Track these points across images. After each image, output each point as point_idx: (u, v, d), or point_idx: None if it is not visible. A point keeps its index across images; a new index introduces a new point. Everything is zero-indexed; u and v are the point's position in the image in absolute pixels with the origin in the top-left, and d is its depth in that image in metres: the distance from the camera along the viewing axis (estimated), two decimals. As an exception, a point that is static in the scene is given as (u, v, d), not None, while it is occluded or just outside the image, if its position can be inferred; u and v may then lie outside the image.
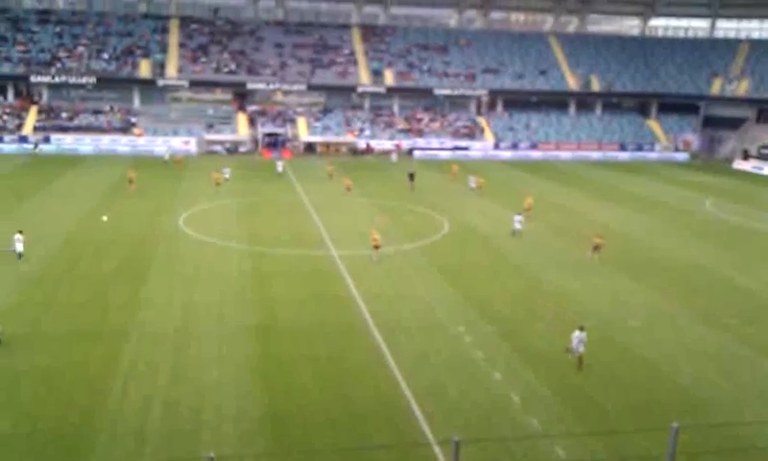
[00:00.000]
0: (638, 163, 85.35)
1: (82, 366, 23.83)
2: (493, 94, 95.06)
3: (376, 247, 37.56)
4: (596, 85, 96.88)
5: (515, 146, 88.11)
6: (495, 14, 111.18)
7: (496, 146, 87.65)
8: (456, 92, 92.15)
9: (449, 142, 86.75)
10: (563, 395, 23.07)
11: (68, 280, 32.69)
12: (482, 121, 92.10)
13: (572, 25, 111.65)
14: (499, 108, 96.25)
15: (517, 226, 44.25)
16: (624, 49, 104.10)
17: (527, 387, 23.56)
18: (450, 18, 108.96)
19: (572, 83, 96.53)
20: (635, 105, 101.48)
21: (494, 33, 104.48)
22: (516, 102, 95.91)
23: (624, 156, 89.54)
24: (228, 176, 59.63)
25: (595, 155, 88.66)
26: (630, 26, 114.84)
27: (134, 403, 21.46)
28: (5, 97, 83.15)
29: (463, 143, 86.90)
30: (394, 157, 77.90)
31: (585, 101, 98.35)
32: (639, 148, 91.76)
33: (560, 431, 20.84)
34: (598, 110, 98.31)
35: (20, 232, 35.55)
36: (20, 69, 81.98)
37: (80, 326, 27.42)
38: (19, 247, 35.10)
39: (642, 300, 32.98)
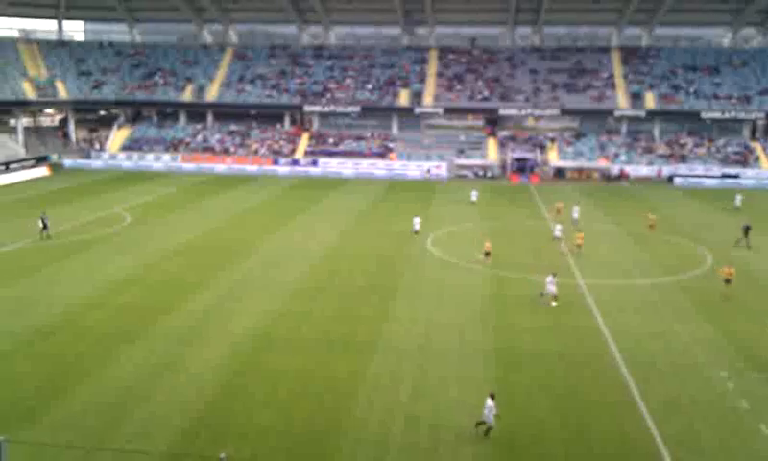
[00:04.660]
0: None
1: (332, 372, 25.50)
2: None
3: (487, 254, 40.49)
4: None
5: (796, 175, 78.14)
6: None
7: (773, 174, 78.46)
8: (727, 115, 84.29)
9: (717, 169, 79.43)
10: None
11: (325, 293, 35.27)
12: (757, 147, 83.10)
13: None
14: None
15: None
16: None
17: (802, 448, 20.56)
18: (723, 37, 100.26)
19: None
20: None
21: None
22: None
23: None
24: (475, 198, 61.70)
25: None
26: None
27: (378, 413, 22.40)
28: (282, 124, 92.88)
29: (733, 170, 79.04)
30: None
31: None
32: None
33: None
34: None
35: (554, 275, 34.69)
36: (296, 100, 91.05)
37: (332, 335, 29.39)
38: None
39: None
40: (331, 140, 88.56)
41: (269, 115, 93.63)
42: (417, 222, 49.04)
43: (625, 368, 26.06)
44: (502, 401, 23.18)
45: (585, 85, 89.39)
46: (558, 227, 47.61)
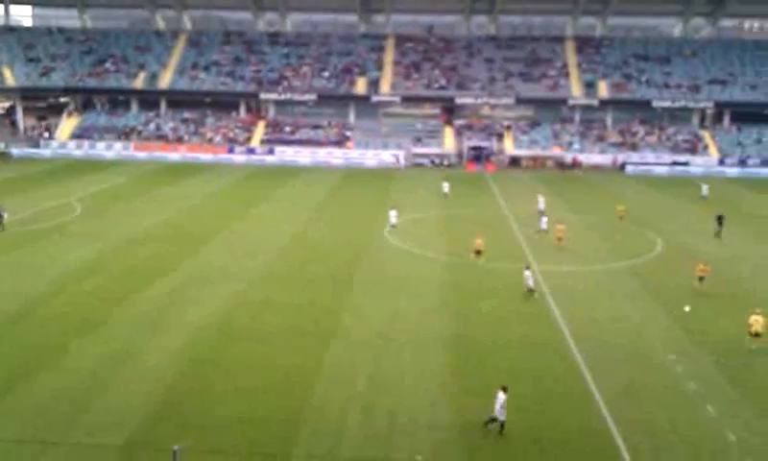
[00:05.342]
0: None
1: (291, 362, 25.44)
2: (720, 107, 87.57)
3: (478, 252, 38.51)
4: None
5: (742, 162, 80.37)
6: (726, 22, 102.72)
7: (721, 162, 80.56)
8: (677, 104, 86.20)
9: (667, 157, 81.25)
10: (790, 440, 20.55)
11: (284, 282, 35.11)
12: (705, 135, 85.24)
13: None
14: (726, 121, 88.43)
15: None
16: None
17: (746, 426, 21.26)
18: (674, 28, 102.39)
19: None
20: None
21: (724, 41, 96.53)
22: (747, 115, 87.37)
23: None
24: (447, 190, 60.00)
25: (842, 174, 78.21)
26: None
27: (336, 403, 22.45)
28: (237, 112, 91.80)
29: (682, 158, 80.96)
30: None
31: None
32: None
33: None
34: None
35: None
36: (251, 87, 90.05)
37: (291, 325, 29.26)
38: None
39: None
40: (288, 129, 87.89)
41: (224, 103, 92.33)
42: (393, 215, 47.58)
43: (579, 354, 26.59)
44: (459, 390, 23.47)
45: (539, 74, 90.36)
46: (544, 219, 46.27)
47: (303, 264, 38.29)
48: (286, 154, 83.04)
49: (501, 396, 20.56)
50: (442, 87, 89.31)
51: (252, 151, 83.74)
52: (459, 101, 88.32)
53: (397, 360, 25.76)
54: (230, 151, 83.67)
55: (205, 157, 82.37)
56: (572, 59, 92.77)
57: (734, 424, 21.48)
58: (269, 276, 36.06)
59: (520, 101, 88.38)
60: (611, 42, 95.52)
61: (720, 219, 46.97)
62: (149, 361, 25.12)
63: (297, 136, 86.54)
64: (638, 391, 23.64)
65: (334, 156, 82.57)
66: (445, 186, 60.50)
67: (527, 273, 33.60)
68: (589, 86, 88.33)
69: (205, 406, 22.00)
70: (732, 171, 78.69)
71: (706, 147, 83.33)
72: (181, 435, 19.53)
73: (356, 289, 34.14)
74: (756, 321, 27.20)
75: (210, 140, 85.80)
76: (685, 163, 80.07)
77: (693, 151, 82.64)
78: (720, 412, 22.24)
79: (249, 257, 39.11)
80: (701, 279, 34.46)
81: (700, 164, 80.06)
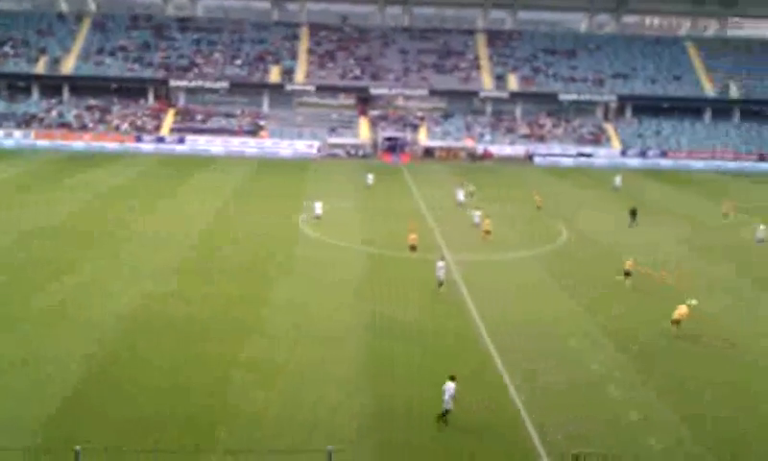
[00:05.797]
0: (781, 175, 79.38)
1: (205, 357, 25.01)
2: (623, 100, 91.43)
3: (413, 248, 37.91)
4: (735, 92, 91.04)
5: (643, 154, 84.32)
6: (628, 18, 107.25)
7: (623, 153, 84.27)
8: (582, 97, 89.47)
9: (573, 149, 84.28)
10: (682, 413, 21.84)
11: (198, 275, 34.41)
12: (609, 127, 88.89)
13: (711, 29, 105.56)
14: (628, 114, 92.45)
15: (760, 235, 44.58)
16: (767, 54, 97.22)
17: (648, 406, 22.45)
18: (580, 22, 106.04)
19: (708, 89, 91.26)
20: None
21: (627, 37, 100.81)
22: (647, 108, 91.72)
23: (764, 166, 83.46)
24: (371, 182, 59.49)
25: (731, 165, 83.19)
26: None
27: (253, 397, 22.23)
28: (145, 99, 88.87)
29: (587, 150, 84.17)
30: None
31: (721, 108, 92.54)
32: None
33: (680, 453, 19.68)
34: (736, 118, 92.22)
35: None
36: (160, 74, 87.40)
37: (205, 319, 28.73)
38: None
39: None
40: (199, 117, 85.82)
41: (131, 90, 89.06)
42: (318, 206, 47.04)
43: (491, 341, 27.30)
44: (377, 379, 23.70)
45: (452, 67, 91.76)
46: (477, 213, 46.38)
47: (218, 257, 37.62)
48: (198, 143, 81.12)
49: (451, 385, 20.86)
50: (356, 77, 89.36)
51: (161, 140, 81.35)
52: (374, 91, 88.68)
53: (315, 351, 25.72)
54: (138, 140, 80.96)
55: (112, 145, 79.37)
56: (483, 51, 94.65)
57: (637, 404, 22.59)
58: (181, 269, 35.22)
59: (434, 93, 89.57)
60: (520, 36, 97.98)
61: (633, 212, 48.54)
62: (54, 359, 24.05)
63: (208, 125, 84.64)
64: (547, 375, 24.51)
65: (248, 145, 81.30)
66: (370, 178, 60.44)
67: (440, 264, 33.24)
68: (500, 79, 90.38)
69: (115, 405, 21.26)
70: (634, 162, 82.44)
71: (609, 139, 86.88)
72: (86, 436, 18.89)
73: (273, 281, 33.83)
74: (680, 310, 28.32)
75: (117, 128, 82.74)
76: (590, 155, 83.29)
77: (597, 143, 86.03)
78: (624, 394, 23.34)
79: (159, 250, 38.04)
80: (627, 274, 34.79)
81: (603, 156, 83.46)
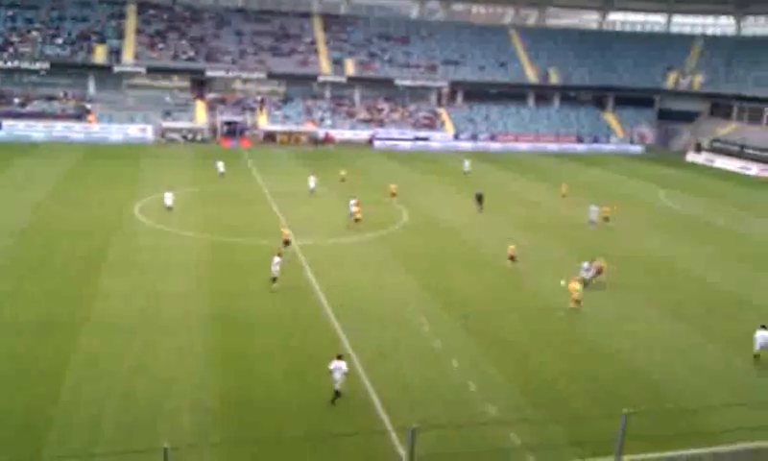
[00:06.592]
0: (595, 155, 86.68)
1: (35, 357, 23.44)
2: (454, 86, 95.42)
3: (286, 243, 36.78)
4: (555, 78, 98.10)
5: (474, 137, 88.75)
6: (456, 6, 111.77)
7: (456, 137, 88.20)
8: (417, 83, 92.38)
9: (410, 133, 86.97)
10: (518, 382, 23.54)
11: (26, 270, 32.03)
12: (442, 112, 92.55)
13: (532, 18, 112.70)
14: (459, 99, 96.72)
15: (593, 216, 47.71)
16: (582, 42, 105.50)
17: (485, 377, 23.95)
18: (411, 9, 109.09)
19: (531, 75, 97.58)
20: (592, 98, 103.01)
21: (456, 25, 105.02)
22: (477, 94, 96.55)
23: (581, 148, 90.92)
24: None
25: (553, 146, 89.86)
26: (588, 20, 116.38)
27: (90, 394, 21.19)
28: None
29: (423, 134, 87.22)
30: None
31: (543, 93, 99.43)
32: (596, 140, 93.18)
33: (516, 419, 21.23)
34: (556, 103, 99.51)
35: None
36: (-30, 53, 79.59)
37: (35, 316, 26.91)
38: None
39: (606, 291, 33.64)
40: (17, 100, 79.07)
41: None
42: (168, 197, 44.60)
43: (337, 321, 27.84)
44: (223, 370, 23.42)
45: (289, 50, 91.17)
46: (352, 201, 44.48)
47: (46, 250, 35.15)
48: (17, 128, 74.81)
49: (341, 364, 21.32)
50: (190, 59, 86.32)
51: (-27, 125, 74.22)
52: (209, 74, 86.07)
53: (158, 344, 24.91)
54: (-55, 125, 73.42)
55: None
56: (320, 35, 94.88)
57: (475, 375, 24.03)
58: (7, 264, 32.64)
59: (272, 76, 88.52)
60: (355, 21, 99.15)
61: (479, 197, 50.06)
62: None
63: (28, 109, 78.28)
64: (392, 352, 25.43)
65: (74, 130, 76.10)
66: (220, 166, 57.76)
67: (276, 259, 31.36)
68: (337, 64, 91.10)
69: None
70: (466, 145, 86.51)
71: (443, 123, 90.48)
72: None
73: (109, 274, 32.19)
74: (574, 288, 30.67)
75: None
76: (426, 139, 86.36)
77: (432, 127, 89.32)
78: (463, 366, 24.72)
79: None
80: (512, 259, 36.28)
81: (438, 140, 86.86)
